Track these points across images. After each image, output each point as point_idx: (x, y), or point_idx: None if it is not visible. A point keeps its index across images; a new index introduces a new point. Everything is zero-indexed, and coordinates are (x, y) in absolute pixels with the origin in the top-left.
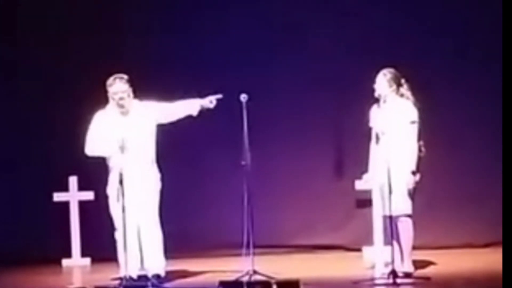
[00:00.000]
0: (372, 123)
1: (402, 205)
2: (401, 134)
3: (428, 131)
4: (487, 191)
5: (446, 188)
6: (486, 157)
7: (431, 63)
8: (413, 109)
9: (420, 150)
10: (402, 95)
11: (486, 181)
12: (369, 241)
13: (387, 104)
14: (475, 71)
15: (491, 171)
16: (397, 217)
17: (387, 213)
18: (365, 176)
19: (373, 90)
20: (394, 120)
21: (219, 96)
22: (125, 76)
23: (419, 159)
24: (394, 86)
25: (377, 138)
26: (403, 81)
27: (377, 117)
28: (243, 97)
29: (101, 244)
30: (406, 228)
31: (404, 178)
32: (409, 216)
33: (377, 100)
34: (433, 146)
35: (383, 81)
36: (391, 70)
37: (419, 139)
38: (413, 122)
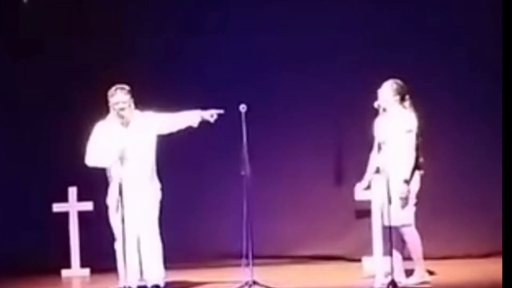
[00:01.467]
0: (375, 133)
1: (403, 215)
2: (399, 144)
3: (427, 140)
4: (487, 201)
5: (446, 198)
6: (486, 167)
7: (430, 72)
8: (412, 119)
9: (419, 168)
10: (404, 108)
11: (485, 191)
12: (369, 251)
13: (388, 113)
14: (475, 79)
15: (491, 180)
16: (399, 227)
17: (387, 223)
18: (358, 185)
19: (372, 101)
20: (393, 129)
21: (221, 111)
22: (127, 87)
23: (420, 177)
24: (398, 97)
25: (379, 147)
26: (407, 96)
27: (379, 126)
28: (242, 108)
29: (101, 255)
30: (411, 238)
31: (397, 187)
32: (410, 225)
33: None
34: (431, 155)
35: (388, 90)
36: (399, 81)
37: (419, 155)
38: (409, 131)
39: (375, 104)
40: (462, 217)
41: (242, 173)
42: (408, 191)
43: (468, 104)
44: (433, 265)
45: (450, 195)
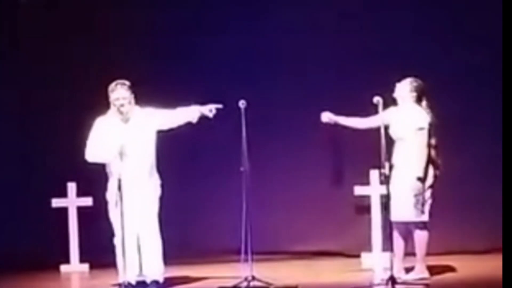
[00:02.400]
0: (380, 115)
1: (413, 212)
2: (410, 140)
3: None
4: (487, 197)
5: (446, 194)
6: (486, 163)
7: (432, 69)
8: (424, 116)
9: (437, 168)
10: (419, 106)
11: (485, 187)
12: (368, 247)
13: (400, 109)
14: (475, 76)
15: (491, 176)
16: (409, 223)
17: (396, 219)
18: (326, 113)
19: (372, 98)
20: (405, 126)
21: (219, 106)
22: (127, 83)
23: (435, 177)
24: (414, 95)
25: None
26: (425, 97)
27: (390, 119)
28: (242, 103)
29: (100, 250)
30: (422, 235)
31: (412, 184)
32: (421, 223)
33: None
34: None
35: (407, 85)
36: (420, 81)
37: (435, 154)
38: (421, 129)
39: (374, 100)
40: (462, 213)
41: (242, 169)
42: (423, 189)
43: (468, 101)
44: (432, 260)
45: (450, 191)
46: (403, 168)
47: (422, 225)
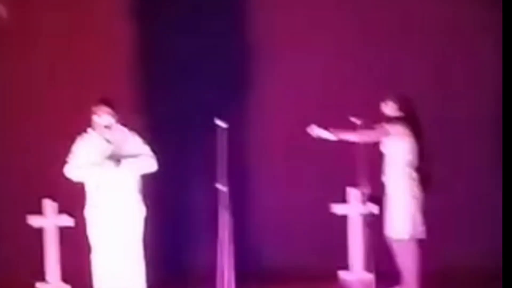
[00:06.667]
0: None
1: (399, 228)
2: (392, 156)
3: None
4: (485, 212)
5: (443, 210)
6: (485, 177)
7: (428, 77)
8: (406, 133)
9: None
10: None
11: (484, 202)
12: (346, 265)
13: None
14: (474, 86)
15: (490, 182)
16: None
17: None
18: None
19: (365, 111)
20: (389, 143)
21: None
22: (111, 100)
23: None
24: (400, 112)
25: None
26: (410, 114)
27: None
28: (221, 123)
29: (80, 270)
30: (401, 252)
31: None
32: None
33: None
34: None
35: (391, 103)
36: (405, 98)
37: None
38: (401, 146)
39: (352, 120)
40: (460, 229)
41: (219, 186)
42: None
43: (466, 114)
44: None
45: (446, 206)
46: (388, 185)
47: (405, 242)
